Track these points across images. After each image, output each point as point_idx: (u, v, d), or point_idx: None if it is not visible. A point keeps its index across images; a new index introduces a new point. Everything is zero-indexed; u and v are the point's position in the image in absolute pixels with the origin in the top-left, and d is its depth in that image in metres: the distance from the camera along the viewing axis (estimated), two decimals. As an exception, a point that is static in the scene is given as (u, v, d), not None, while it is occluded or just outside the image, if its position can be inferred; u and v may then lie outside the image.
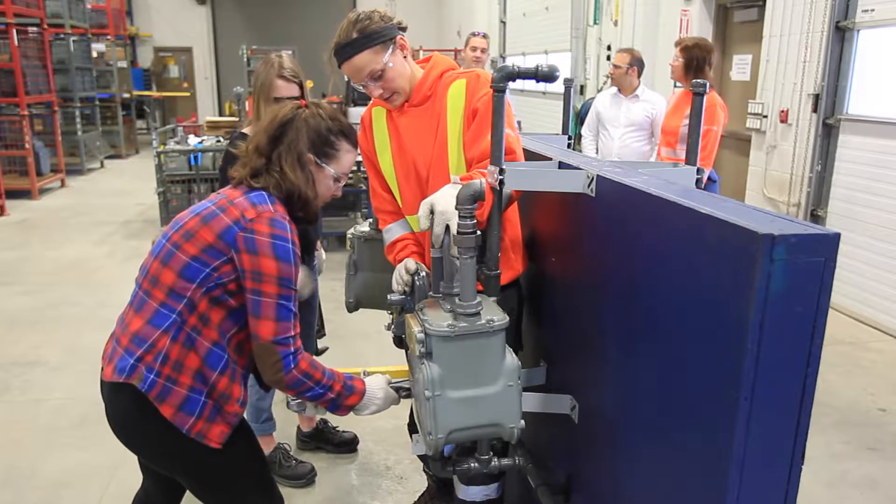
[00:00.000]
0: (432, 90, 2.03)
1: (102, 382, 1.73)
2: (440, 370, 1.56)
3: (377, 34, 1.91)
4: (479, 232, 1.60)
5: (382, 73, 1.94)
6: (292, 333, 1.68)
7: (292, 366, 1.68)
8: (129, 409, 1.69)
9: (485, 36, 5.22)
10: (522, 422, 1.64)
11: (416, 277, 1.92)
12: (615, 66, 4.82)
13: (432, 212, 1.68)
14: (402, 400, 1.92)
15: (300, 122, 1.79)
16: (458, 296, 1.59)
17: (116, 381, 1.67)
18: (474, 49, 5.12)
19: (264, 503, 1.89)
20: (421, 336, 1.57)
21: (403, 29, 2.00)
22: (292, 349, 1.68)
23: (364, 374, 1.93)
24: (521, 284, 2.14)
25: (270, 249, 1.64)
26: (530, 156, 2.08)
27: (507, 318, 1.61)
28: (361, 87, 2.00)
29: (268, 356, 1.67)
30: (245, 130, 2.78)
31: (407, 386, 1.88)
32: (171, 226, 1.76)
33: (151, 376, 1.65)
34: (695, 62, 4.18)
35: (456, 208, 1.59)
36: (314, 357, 1.76)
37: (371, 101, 2.20)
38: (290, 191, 1.74)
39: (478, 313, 1.56)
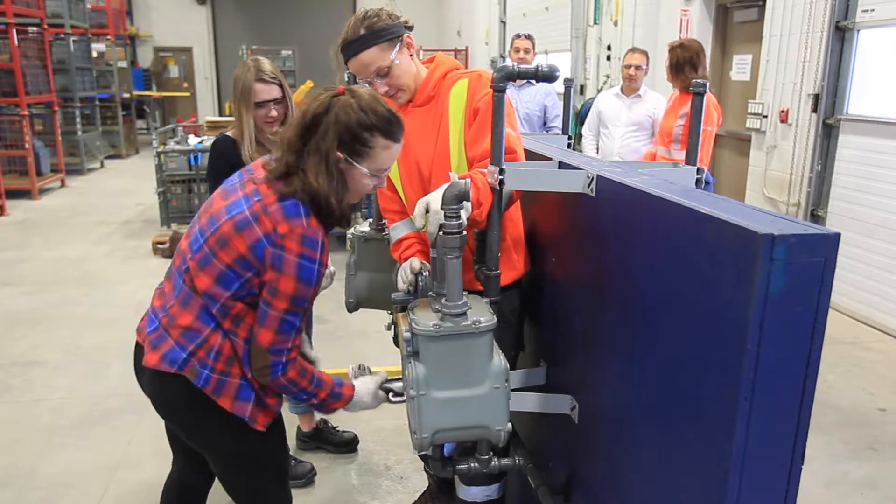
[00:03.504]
0: (436, 90, 2.03)
1: (143, 368, 1.75)
2: (426, 370, 1.57)
3: (385, 31, 1.92)
4: (464, 232, 1.59)
5: (389, 70, 1.94)
6: (289, 346, 1.69)
7: (279, 374, 1.70)
8: (181, 399, 1.74)
9: (528, 37, 5.22)
10: (510, 425, 1.64)
11: (419, 277, 1.92)
12: (636, 67, 4.79)
13: (427, 210, 1.68)
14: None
15: (331, 118, 1.65)
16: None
17: (167, 371, 1.70)
18: (517, 50, 5.12)
19: (282, 494, 1.99)
20: (407, 335, 1.59)
21: (410, 28, 2.00)
22: (284, 359, 1.69)
23: (357, 371, 1.94)
24: (524, 285, 2.13)
25: (294, 269, 1.62)
26: (530, 156, 2.08)
27: (495, 319, 1.61)
28: (367, 85, 2.00)
29: (259, 358, 1.69)
30: (229, 133, 2.77)
31: (398, 389, 1.90)
32: (208, 220, 1.71)
33: (206, 372, 1.69)
34: (678, 62, 4.24)
35: (441, 208, 1.59)
36: (305, 364, 1.77)
37: None
38: (314, 195, 1.65)
39: (464, 314, 1.56)
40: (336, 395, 1.82)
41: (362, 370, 1.95)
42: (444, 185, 1.72)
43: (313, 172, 1.64)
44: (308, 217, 1.63)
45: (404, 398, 1.84)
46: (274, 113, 2.69)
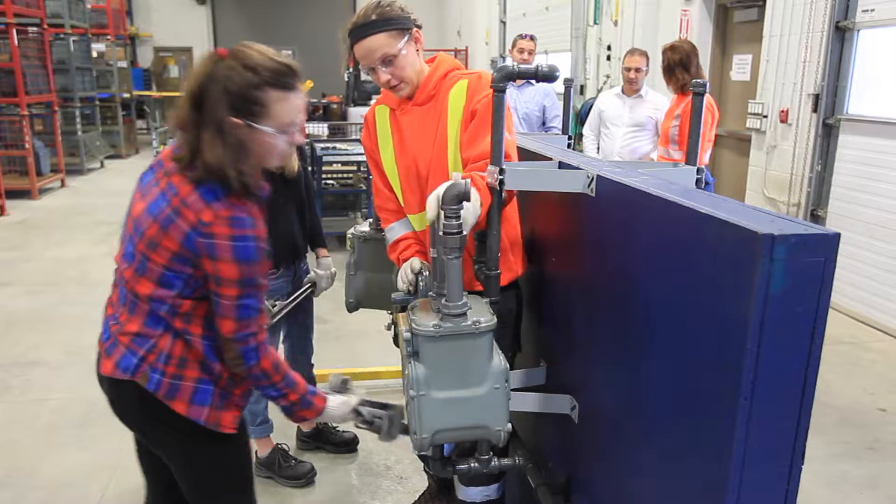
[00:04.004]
0: (436, 89, 2.03)
1: (101, 376, 1.73)
2: (425, 370, 1.57)
3: (396, 20, 1.93)
4: (464, 232, 1.59)
5: (395, 58, 1.94)
6: (253, 330, 1.64)
7: (253, 361, 1.65)
8: (137, 405, 1.70)
9: (532, 38, 5.22)
10: (510, 425, 1.64)
11: (419, 277, 1.91)
12: (636, 70, 4.80)
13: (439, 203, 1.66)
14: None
15: (216, 85, 1.56)
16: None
17: (121, 378, 1.67)
18: (521, 51, 5.12)
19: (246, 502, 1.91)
20: (407, 336, 1.59)
21: (419, 27, 2.02)
22: (252, 344, 1.64)
23: (339, 385, 1.90)
24: (521, 286, 2.13)
25: (230, 253, 1.57)
26: (530, 156, 2.08)
27: (495, 319, 1.61)
28: (368, 73, 2.00)
29: (229, 349, 1.66)
30: None
31: (368, 416, 1.85)
32: (133, 225, 1.68)
33: (157, 376, 1.65)
34: (669, 64, 4.28)
35: (441, 208, 1.59)
36: (280, 360, 1.73)
37: (374, 101, 2.21)
38: (215, 171, 1.56)
39: (464, 314, 1.56)
40: (307, 403, 1.76)
41: (344, 385, 1.91)
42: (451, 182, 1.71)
43: (209, 147, 1.56)
44: (228, 197, 1.57)
45: (370, 428, 1.85)
46: None
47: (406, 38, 1.95)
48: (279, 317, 2.75)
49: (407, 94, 2.03)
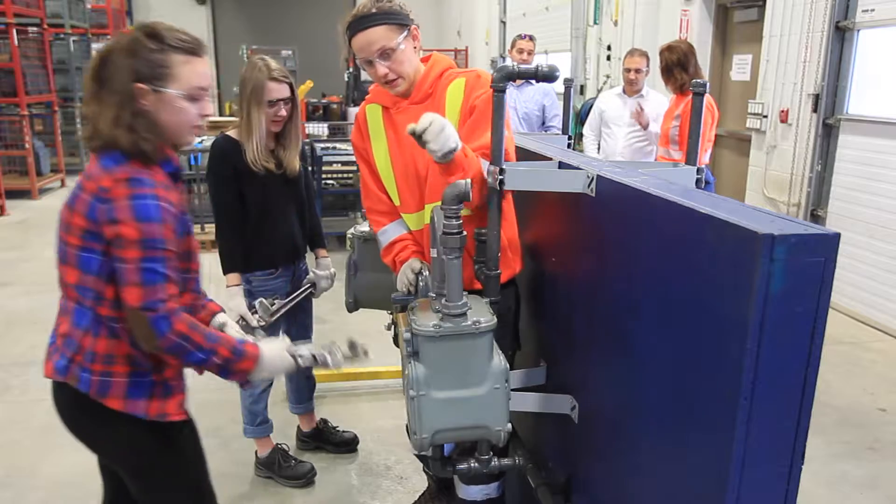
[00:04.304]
0: (433, 88, 2.04)
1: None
2: (426, 370, 1.57)
3: (396, 14, 1.95)
4: (464, 232, 1.60)
5: (393, 52, 1.95)
6: (161, 297, 1.54)
7: (166, 330, 1.54)
8: (74, 406, 1.69)
9: (531, 38, 5.22)
10: (510, 425, 1.64)
11: (419, 277, 1.91)
12: (636, 71, 4.80)
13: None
14: (305, 365, 1.80)
15: (118, 55, 1.56)
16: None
17: (59, 381, 1.67)
18: (521, 51, 5.12)
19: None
20: (407, 336, 1.59)
21: (416, 26, 2.02)
22: (162, 312, 1.53)
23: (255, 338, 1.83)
24: (518, 284, 2.13)
25: (129, 212, 1.51)
26: (530, 156, 2.08)
27: (495, 319, 1.61)
28: (365, 67, 2.00)
29: (138, 324, 1.55)
30: (230, 133, 2.78)
31: (305, 352, 1.77)
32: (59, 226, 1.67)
33: (86, 375, 1.63)
34: (667, 65, 4.30)
35: (441, 208, 1.59)
36: (195, 320, 1.63)
37: (365, 99, 2.20)
38: (114, 141, 1.55)
39: (464, 314, 1.57)
40: (240, 352, 1.65)
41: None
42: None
43: (103, 116, 1.56)
44: (128, 162, 1.56)
45: (315, 364, 1.77)
46: (283, 112, 2.70)
47: (405, 34, 1.96)
48: (278, 315, 2.75)
49: (402, 90, 2.03)
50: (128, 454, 1.75)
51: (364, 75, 6.11)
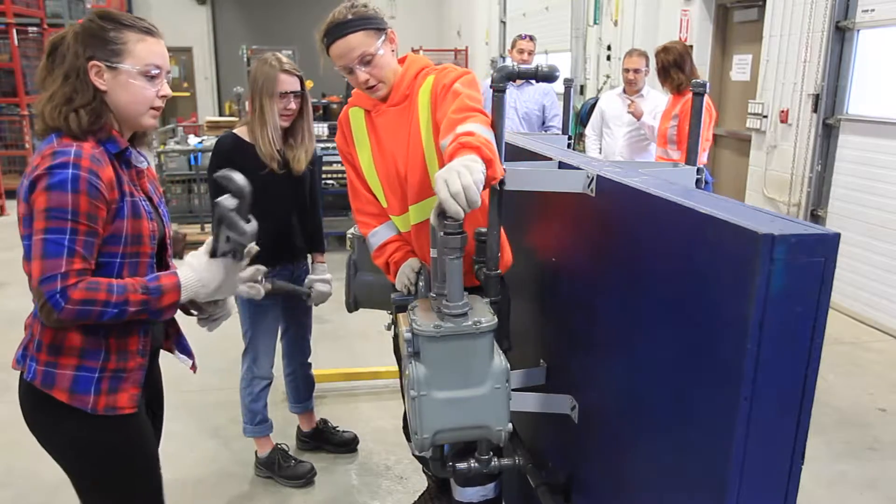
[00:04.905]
0: (410, 89, 2.03)
1: None
2: (426, 370, 1.57)
3: (372, 19, 1.94)
4: (465, 232, 1.59)
5: (373, 58, 1.94)
6: (61, 270, 1.47)
7: (63, 304, 1.47)
8: (24, 398, 1.68)
9: (531, 38, 5.22)
10: (510, 425, 1.64)
11: (419, 277, 1.91)
12: (635, 71, 4.80)
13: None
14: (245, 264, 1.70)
15: (70, 37, 1.56)
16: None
17: (17, 371, 1.67)
18: (521, 51, 5.12)
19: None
20: (408, 336, 1.58)
21: (392, 29, 2.02)
22: (59, 286, 1.46)
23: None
24: (506, 282, 2.12)
25: (45, 181, 1.46)
26: (530, 156, 2.08)
27: (496, 319, 1.61)
28: (346, 75, 1.98)
29: (38, 301, 1.51)
30: (236, 131, 2.78)
31: (226, 247, 1.62)
32: None
33: (34, 365, 1.62)
34: (663, 66, 4.31)
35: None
36: (96, 278, 1.53)
37: (347, 103, 2.20)
38: (47, 119, 1.53)
39: (464, 314, 1.56)
40: (155, 289, 1.54)
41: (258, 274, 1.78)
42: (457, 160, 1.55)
43: (47, 98, 1.54)
44: (59, 139, 1.53)
45: (233, 255, 1.65)
46: (293, 105, 2.71)
47: (382, 38, 1.95)
48: (273, 293, 2.56)
49: (383, 94, 2.03)
50: (68, 451, 1.71)
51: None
